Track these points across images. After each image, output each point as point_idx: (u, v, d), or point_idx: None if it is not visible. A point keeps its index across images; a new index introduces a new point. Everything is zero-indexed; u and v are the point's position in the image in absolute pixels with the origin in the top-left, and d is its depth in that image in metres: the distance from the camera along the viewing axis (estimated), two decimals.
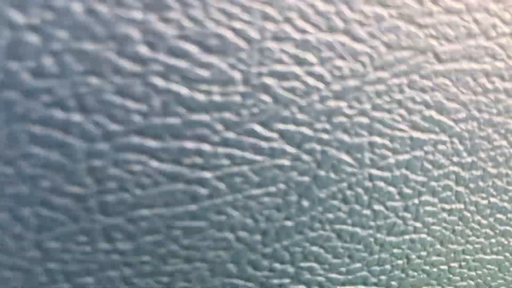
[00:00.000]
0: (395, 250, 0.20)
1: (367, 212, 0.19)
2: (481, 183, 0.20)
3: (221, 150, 0.17)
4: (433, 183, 0.19)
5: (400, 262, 0.21)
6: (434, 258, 0.21)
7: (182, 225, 0.17)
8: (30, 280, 0.16)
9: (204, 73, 0.16)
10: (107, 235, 0.16)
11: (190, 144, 0.16)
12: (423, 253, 0.21)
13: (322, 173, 0.18)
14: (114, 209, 0.16)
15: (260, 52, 0.16)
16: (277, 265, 0.19)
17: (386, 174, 0.19)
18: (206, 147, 0.16)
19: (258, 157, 0.17)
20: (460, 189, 0.20)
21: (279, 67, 0.16)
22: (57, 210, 0.15)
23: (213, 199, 0.17)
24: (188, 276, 0.18)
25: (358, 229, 0.19)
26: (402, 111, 0.18)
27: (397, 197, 0.19)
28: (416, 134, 0.19)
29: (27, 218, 0.15)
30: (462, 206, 0.20)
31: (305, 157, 0.18)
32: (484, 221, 0.21)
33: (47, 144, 0.15)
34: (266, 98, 0.17)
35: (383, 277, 0.21)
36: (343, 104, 0.17)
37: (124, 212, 0.16)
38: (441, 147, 0.19)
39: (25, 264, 0.16)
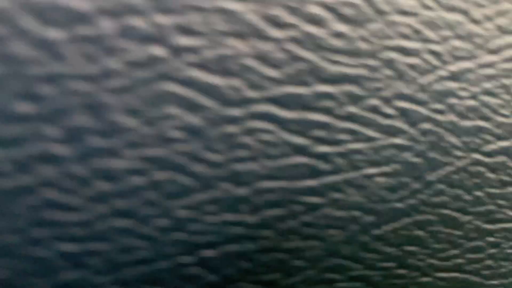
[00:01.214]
0: (490, 238, 0.20)
1: (468, 197, 0.19)
2: None
3: (343, 124, 0.17)
4: None
5: (493, 251, 0.21)
6: None
7: (302, 200, 0.17)
8: (155, 250, 0.16)
9: (337, 42, 0.16)
10: (234, 206, 0.16)
11: (316, 116, 0.16)
12: None
13: (433, 155, 0.18)
14: (243, 179, 0.16)
15: (387, 25, 0.16)
16: (385, 248, 0.19)
17: (488, 159, 0.19)
18: (330, 120, 0.16)
19: (377, 134, 0.17)
20: None
21: (403, 42, 0.17)
22: (192, 176, 0.15)
23: (333, 176, 0.17)
24: (304, 254, 0.18)
25: (459, 215, 0.19)
26: (508, 97, 0.19)
27: (495, 184, 0.20)
28: None
29: (163, 183, 0.15)
30: None
31: (420, 137, 0.18)
32: None
33: (188, 106, 0.15)
34: (390, 73, 0.17)
35: (476, 266, 0.21)
36: (456, 85, 0.18)
37: (251, 183, 0.16)
38: None
39: (153, 233, 0.15)
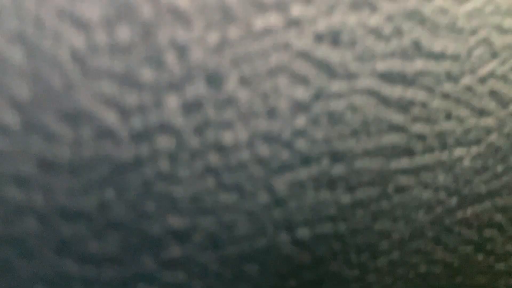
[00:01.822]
0: None
1: None
2: None
3: (439, 103, 0.17)
4: None
5: None
6: None
7: (395, 181, 0.17)
8: (255, 228, 0.15)
9: (440, 19, 0.16)
10: (331, 185, 0.16)
11: (415, 93, 0.16)
12: None
13: None
14: (342, 157, 0.16)
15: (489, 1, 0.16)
16: (466, 231, 0.19)
17: None
18: (428, 98, 0.16)
19: (468, 114, 0.17)
20: None
21: (502, 21, 0.17)
22: (294, 152, 0.15)
23: (426, 156, 0.17)
24: (391, 236, 0.17)
25: None
26: None
27: None
28: None
29: (267, 158, 0.15)
30: None
31: (509, 119, 0.18)
32: None
33: (297, 79, 0.14)
34: (485, 51, 0.17)
35: None
36: None
37: (349, 161, 0.16)
38: None
39: (255, 209, 0.15)
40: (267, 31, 0.14)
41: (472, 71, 0.17)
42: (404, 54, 0.16)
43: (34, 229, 0.13)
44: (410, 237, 0.18)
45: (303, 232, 0.16)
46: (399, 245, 0.18)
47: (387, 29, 0.15)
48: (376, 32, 0.15)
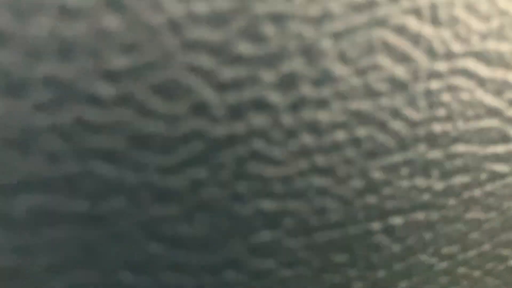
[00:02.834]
0: None
1: None
2: None
3: None
4: None
5: None
6: None
7: (489, 168, 0.16)
8: (347, 214, 0.14)
9: None
10: (425, 170, 0.15)
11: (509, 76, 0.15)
12: None
13: None
14: (437, 140, 0.15)
15: None
16: None
17: None
18: None
19: None
20: None
21: None
22: (390, 134, 0.14)
23: None
24: (482, 226, 0.16)
25: None
26: None
27: None
28: None
29: (362, 140, 0.14)
30: None
31: None
32: None
33: (397, 57, 0.13)
34: None
35: None
36: None
37: (445, 145, 0.15)
38: None
39: (348, 194, 0.14)
40: (369, 5, 0.13)
41: None
42: (503, 35, 0.15)
43: (123, 208, 0.12)
44: (501, 228, 0.17)
45: (395, 221, 0.15)
46: (490, 237, 0.17)
47: (486, 7, 0.14)
48: (476, 10, 0.14)
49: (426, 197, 0.15)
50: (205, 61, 0.12)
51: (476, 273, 0.17)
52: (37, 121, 0.11)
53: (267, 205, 0.13)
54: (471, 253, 0.17)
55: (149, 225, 0.12)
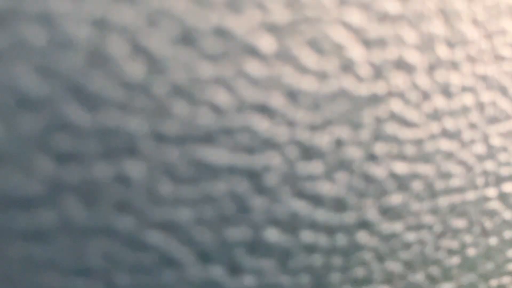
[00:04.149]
0: None
1: None
2: None
3: None
4: None
5: None
6: None
7: None
8: (467, 179, 0.15)
9: None
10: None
11: None
12: None
13: None
14: None
15: None
16: None
17: None
18: None
19: None
20: None
21: None
22: (511, 100, 0.14)
23: None
24: None
25: None
26: None
27: None
28: None
29: (486, 104, 0.14)
30: None
31: None
32: None
33: None
34: None
35: None
36: None
37: None
38: None
39: (470, 159, 0.14)
40: None
41: None
42: None
43: (273, 163, 0.12)
44: None
45: (509, 188, 0.15)
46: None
47: None
48: None
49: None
50: (355, 17, 0.12)
51: None
52: (203, 71, 0.11)
53: (400, 167, 0.14)
54: None
55: (294, 182, 0.13)
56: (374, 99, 0.13)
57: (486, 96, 0.14)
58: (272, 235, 0.12)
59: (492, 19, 0.13)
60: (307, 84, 0.12)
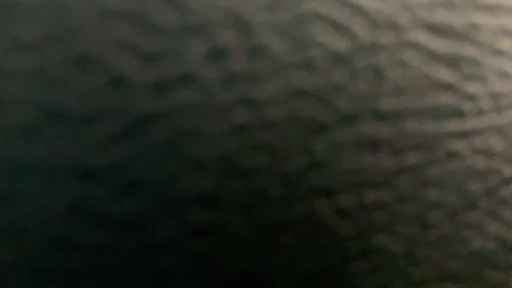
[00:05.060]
0: None
1: None
2: None
3: (492, 61, 0.15)
4: None
5: None
6: None
7: (445, 145, 0.15)
8: (290, 192, 0.14)
9: None
10: (376, 146, 0.14)
11: (467, 50, 0.15)
12: None
13: None
14: (385, 117, 0.14)
15: None
16: None
17: None
18: (480, 55, 0.15)
19: None
20: None
21: None
22: None
23: (478, 119, 0.15)
24: (441, 206, 0.16)
25: None
26: None
27: None
28: None
29: (305, 115, 0.13)
30: None
31: None
32: None
33: None
34: None
35: None
36: None
37: (395, 121, 0.14)
38: None
39: (289, 171, 0.14)
40: None
41: None
42: (453, 5, 0.14)
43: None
44: (462, 209, 0.16)
45: (343, 200, 0.14)
46: (451, 218, 0.16)
47: None
48: None
49: (376, 175, 0.15)
50: (123, 32, 0.11)
51: (438, 256, 0.16)
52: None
53: (203, 184, 0.13)
54: (431, 234, 0.16)
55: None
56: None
57: (302, 107, 0.13)
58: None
59: (297, 26, 0.13)
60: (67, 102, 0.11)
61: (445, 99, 0.15)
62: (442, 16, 0.14)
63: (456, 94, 0.15)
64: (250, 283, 0.14)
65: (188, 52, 0.12)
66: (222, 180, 0.13)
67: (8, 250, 0.12)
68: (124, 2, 0.11)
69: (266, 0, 0.12)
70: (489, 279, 0.17)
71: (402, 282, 0.16)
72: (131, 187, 0.12)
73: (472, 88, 0.15)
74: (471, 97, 0.15)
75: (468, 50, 0.15)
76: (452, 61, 0.14)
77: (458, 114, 0.15)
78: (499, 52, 0.15)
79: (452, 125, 0.15)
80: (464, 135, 0.15)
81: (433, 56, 0.14)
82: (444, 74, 0.15)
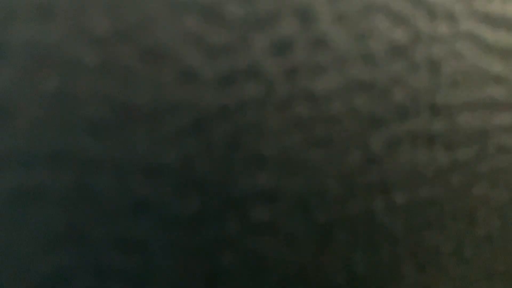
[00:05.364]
0: None
1: None
2: None
3: None
4: None
5: None
6: None
7: (496, 139, 0.15)
8: (346, 189, 0.13)
9: None
10: (431, 140, 0.14)
11: None
12: None
13: None
14: (440, 110, 0.14)
15: None
16: None
17: None
18: None
19: None
20: None
21: None
22: None
23: None
24: (490, 202, 0.15)
25: None
26: None
27: None
28: None
29: (363, 109, 0.13)
30: None
31: None
32: None
33: None
34: None
35: None
36: None
37: (449, 115, 0.14)
38: None
39: (346, 167, 0.13)
40: None
41: None
42: None
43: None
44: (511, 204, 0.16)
45: (398, 197, 0.14)
46: (499, 214, 0.16)
47: None
48: None
49: (430, 171, 0.14)
50: (193, 24, 0.11)
51: (485, 254, 0.16)
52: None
53: (263, 181, 0.12)
54: (479, 231, 0.16)
55: None
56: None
57: (360, 101, 0.13)
58: None
59: (359, 18, 0.12)
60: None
61: (497, 91, 0.15)
62: (497, 7, 0.14)
63: (509, 87, 0.15)
64: (305, 281, 0.14)
65: (254, 44, 0.11)
66: (281, 177, 0.13)
67: (73, 250, 0.11)
68: None
69: None
70: None
71: (449, 281, 0.16)
72: (194, 183, 0.12)
73: None
74: None
75: None
76: (506, 54, 0.14)
77: (510, 107, 0.15)
78: None
79: (503, 119, 0.15)
80: None
81: (487, 48, 0.14)
82: (498, 67, 0.14)
